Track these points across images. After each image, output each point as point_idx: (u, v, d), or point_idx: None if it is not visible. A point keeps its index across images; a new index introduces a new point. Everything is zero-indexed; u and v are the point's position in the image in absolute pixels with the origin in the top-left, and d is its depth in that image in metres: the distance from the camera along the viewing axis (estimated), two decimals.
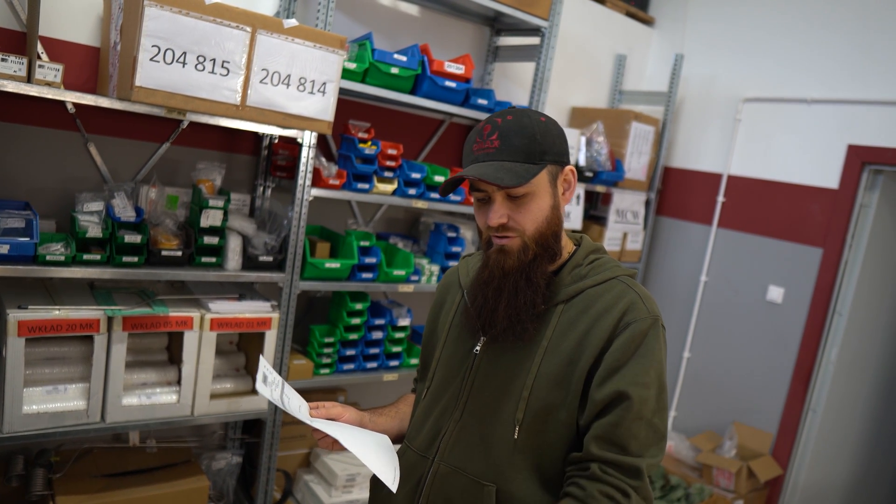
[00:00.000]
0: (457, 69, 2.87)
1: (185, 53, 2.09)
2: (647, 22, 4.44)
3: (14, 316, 2.03)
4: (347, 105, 3.04)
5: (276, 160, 2.84)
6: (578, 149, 3.66)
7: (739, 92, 3.98)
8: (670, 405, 4.16)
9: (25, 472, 2.36)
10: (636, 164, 3.95)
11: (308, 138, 2.50)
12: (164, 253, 2.32)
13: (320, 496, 2.92)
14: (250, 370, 2.68)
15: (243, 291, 2.67)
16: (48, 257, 2.10)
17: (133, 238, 2.24)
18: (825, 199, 3.61)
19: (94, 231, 2.21)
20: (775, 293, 3.78)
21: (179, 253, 2.35)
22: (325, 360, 2.85)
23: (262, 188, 2.88)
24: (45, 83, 2.04)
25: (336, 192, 2.70)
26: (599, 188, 3.80)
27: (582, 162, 3.66)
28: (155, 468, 2.57)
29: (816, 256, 3.63)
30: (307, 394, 3.09)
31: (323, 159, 2.74)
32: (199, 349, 2.41)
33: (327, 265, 2.69)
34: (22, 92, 1.98)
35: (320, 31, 2.38)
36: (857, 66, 3.52)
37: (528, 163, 1.22)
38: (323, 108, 2.44)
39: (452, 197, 3.03)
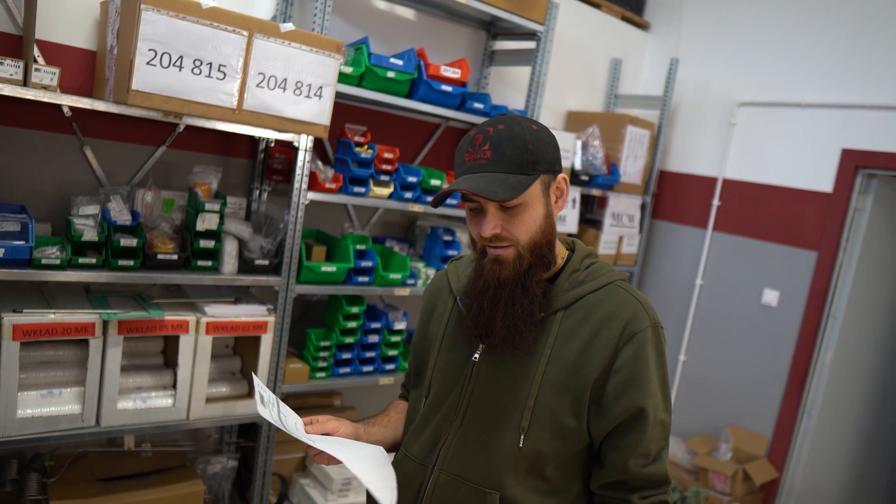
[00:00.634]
0: (453, 73, 2.88)
1: (181, 57, 2.09)
2: (643, 26, 4.45)
3: (9, 320, 2.02)
4: (344, 109, 3.04)
5: (273, 164, 2.84)
6: (574, 152, 3.66)
7: (734, 96, 4.00)
8: None
9: (19, 477, 2.35)
10: (632, 167, 3.96)
11: (304, 142, 2.50)
12: (159, 256, 2.32)
13: (316, 500, 2.92)
14: (246, 374, 2.68)
15: (239, 295, 2.66)
16: (44, 261, 2.09)
17: (129, 242, 2.23)
18: (820, 202, 3.63)
19: (90, 235, 2.21)
20: (770, 296, 3.79)
21: (175, 256, 2.35)
22: (322, 364, 2.84)
23: (258, 192, 2.88)
24: (41, 87, 2.04)
25: (332, 195, 2.70)
26: (595, 192, 3.81)
27: (578, 166, 3.67)
28: (150, 472, 2.56)
29: (811, 260, 3.64)
30: (303, 398, 3.11)
31: (319, 163, 2.74)
32: (194, 353, 2.40)
33: (323, 269, 2.69)
34: (18, 95, 1.98)
35: (317, 35, 2.38)
36: (852, 71, 3.53)
37: (520, 173, 1.21)
38: (319, 111, 2.45)
39: (448, 200, 3.03)
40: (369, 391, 3.46)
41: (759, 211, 3.87)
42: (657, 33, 4.46)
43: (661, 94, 4.13)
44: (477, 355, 1.32)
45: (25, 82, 2.02)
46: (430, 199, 2.98)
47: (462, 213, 3.12)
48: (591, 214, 4.19)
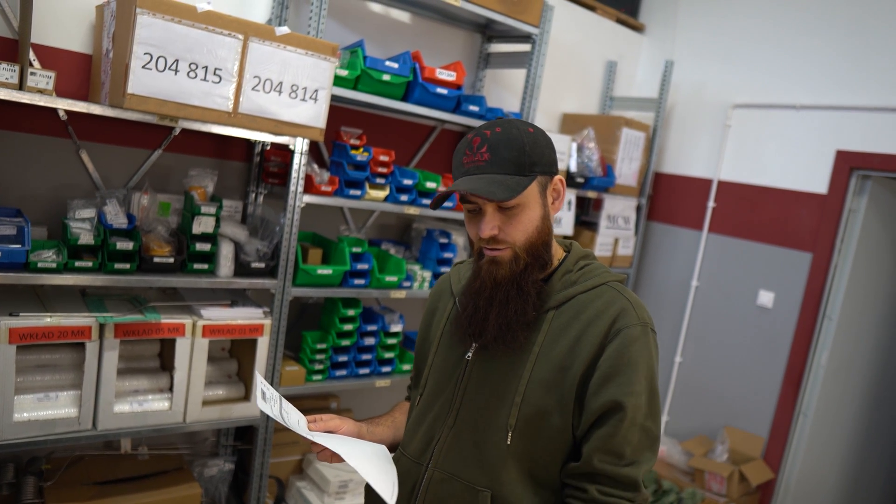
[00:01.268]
0: (448, 76, 2.89)
1: (177, 61, 2.10)
2: (638, 29, 4.47)
3: (5, 323, 2.02)
4: (339, 112, 3.05)
5: (268, 167, 2.84)
6: (570, 155, 3.68)
7: (729, 98, 4.01)
8: (662, 410, 4.17)
9: (16, 481, 2.35)
10: (627, 169, 3.97)
11: (300, 145, 2.51)
12: (155, 260, 2.32)
13: (313, 503, 2.92)
14: (242, 377, 2.68)
15: (235, 298, 2.67)
16: (40, 264, 2.09)
17: (125, 245, 2.24)
18: (814, 204, 3.65)
19: (86, 238, 2.21)
20: (766, 298, 3.80)
21: (171, 260, 2.35)
22: (318, 367, 2.85)
23: (254, 195, 2.89)
24: (37, 90, 2.04)
25: (328, 198, 2.71)
26: (590, 194, 3.82)
27: (573, 168, 3.68)
28: (146, 475, 2.56)
29: (806, 261, 3.66)
30: (299, 400, 3.11)
31: (315, 166, 2.75)
32: (191, 356, 2.41)
33: (319, 271, 2.70)
34: (14, 99, 1.98)
35: (312, 38, 2.39)
36: (846, 73, 3.55)
37: (518, 175, 1.23)
38: (315, 114, 2.45)
39: (445, 203, 3.04)
40: (365, 393, 3.46)
41: (755, 212, 3.89)
42: (652, 35, 4.48)
43: (656, 96, 4.15)
44: (470, 354, 1.33)
45: (21, 86, 2.03)
46: (426, 201, 2.99)
47: (458, 215, 3.12)
48: (587, 217, 4.20)
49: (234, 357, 2.74)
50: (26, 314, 2.08)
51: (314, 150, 3.02)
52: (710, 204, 4.07)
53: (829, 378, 3.67)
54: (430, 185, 2.97)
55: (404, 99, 2.86)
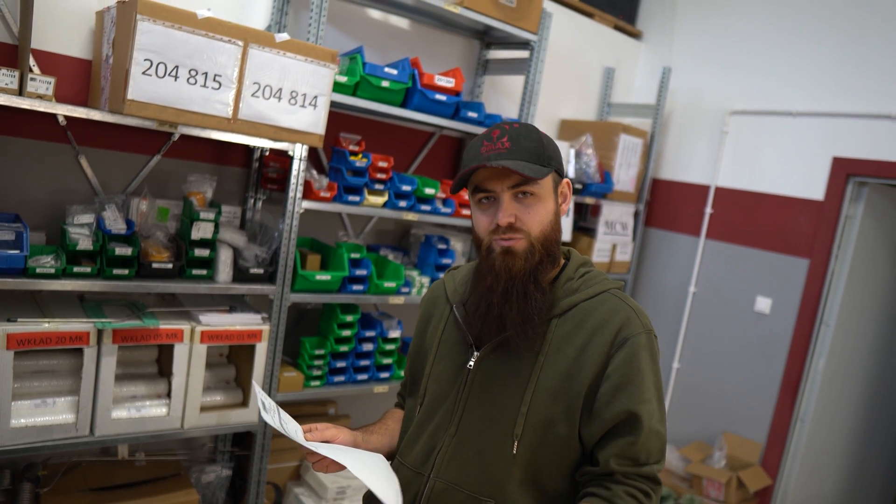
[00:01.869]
0: (447, 82, 2.90)
1: (177, 67, 2.10)
2: (635, 35, 4.49)
3: (3, 329, 2.02)
4: (338, 118, 3.05)
5: (267, 173, 2.85)
6: (567, 161, 3.69)
7: (726, 105, 4.03)
8: None
9: (12, 487, 2.34)
10: (625, 175, 3.98)
11: (299, 151, 2.51)
12: (154, 265, 2.32)
13: None
14: (240, 383, 2.68)
15: (234, 304, 2.67)
16: (38, 270, 2.09)
17: (124, 250, 2.23)
18: (811, 210, 3.66)
19: (85, 243, 2.21)
20: (763, 304, 3.81)
21: (170, 265, 2.35)
22: (316, 373, 2.84)
23: (253, 200, 2.89)
24: (36, 96, 2.04)
25: (327, 204, 2.71)
26: (588, 200, 3.83)
27: (571, 174, 3.69)
28: (144, 482, 2.55)
29: (803, 267, 3.67)
30: (298, 406, 3.10)
31: (314, 172, 2.75)
32: (189, 362, 2.40)
33: (318, 277, 2.70)
34: (13, 105, 1.98)
35: (311, 44, 2.40)
36: (842, 80, 3.57)
37: (538, 164, 1.25)
38: (314, 121, 2.46)
39: (443, 209, 3.05)
40: (364, 399, 3.46)
41: (752, 219, 3.90)
42: (650, 42, 4.50)
43: (654, 102, 4.16)
44: (472, 363, 1.32)
45: (21, 91, 2.03)
46: (424, 207, 2.99)
47: (457, 221, 3.13)
48: (585, 222, 4.21)
49: (232, 363, 2.74)
50: (24, 320, 2.08)
51: (313, 156, 3.03)
52: (708, 210, 4.08)
53: (827, 384, 3.68)
54: (429, 191, 2.97)
55: (403, 105, 2.87)
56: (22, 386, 2.16)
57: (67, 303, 2.36)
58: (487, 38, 3.53)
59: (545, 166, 1.25)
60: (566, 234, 3.75)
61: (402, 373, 3.10)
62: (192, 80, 2.14)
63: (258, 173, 2.87)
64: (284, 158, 2.82)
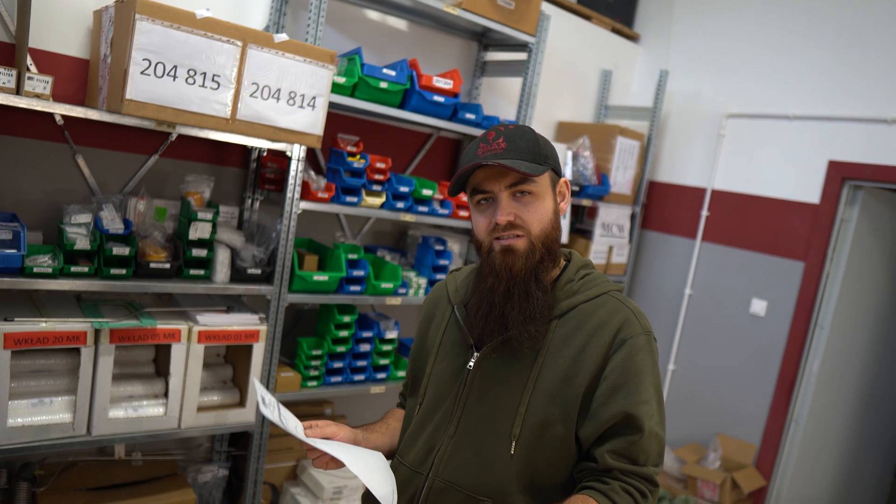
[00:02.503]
0: (445, 84, 2.90)
1: (175, 67, 2.10)
2: (633, 38, 4.50)
3: (0, 328, 2.01)
4: (336, 119, 3.06)
5: (265, 173, 2.85)
6: (565, 163, 3.70)
7: (723, 108, 4.04)
8: None
9: (9, 486, 2.34)
10: (622, 178, 3.99)
11: (297, 152, 2.51)
12: (152, 265, 2.32)
13: None
14: (238, 383, 2.68)
15: (231, 304, 2.67)
16: (35, 269, 2.09)
17: (121, 250, 2.23)
18: (807, 213, 3.67)
19: (82, 243, 2.21)
20: (758, 306, 3.82)
21: (167, 265, 2.35)
22: (313, 373, 2.85)
23: (250, 201, 2.89)
24: (34, 95, 2.04)
25: (325, 205, 2.71)
26: (585, 202, 3.84)
27: (568, 176, 3.70)
28: (140, 481, 2.55)
29: (798, 270, 3.68)
30: (295, 406, 3.11)
31: (312, 172, 2.75)
32: (186, 362, 2.40)
33: (315, 278, 2.70)
34: (11, 104, 1.98)
35: (310, 45, 2.40)
36: (839, 84, 3.59)
37: (534, 163, 1.26)
38: (312, 121, 2.46)
39: (440, 210, 3.05)
40: (360, 400, 3.46)
41: (748, 221, 3.91)
42: (647, 45, 4.51)
43: (651, 105, 4.17)
44: (472, 363, 1.33)
45: (18, 90, 2.03)
46: (422, 208, 2.99)
47: (454, 223, 3.13)
48: (582, 224, 4.22)
49: (229, 363, 2.74)
50: (21, 319, 2.08)
51: (311, 157, 3.03)
52: (704, 213, 4.09)
53: (821, 386, 3.70)
54: (427, 192, 2.98)
55: (401, 106, 2.87)
56: (19, 385, 2.16)
57: (64, 302, 2.36)
58: (485, 39, 3.53)
59: (542, 164, 1.26)
60: (563, 237, 3.75)
61: (398, 373, 3.10)
62: (190, 80, 2.14)
63: (256, 174, 2.87)
64: (282, 159, 2.83)
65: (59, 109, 2.07)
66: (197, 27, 2.11)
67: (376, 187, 2.87)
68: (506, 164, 1.21)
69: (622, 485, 1.20)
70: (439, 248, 3.18)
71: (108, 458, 2.64)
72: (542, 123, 4.04)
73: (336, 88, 2.62)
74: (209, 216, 2.41)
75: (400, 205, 2.93)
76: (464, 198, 3.07)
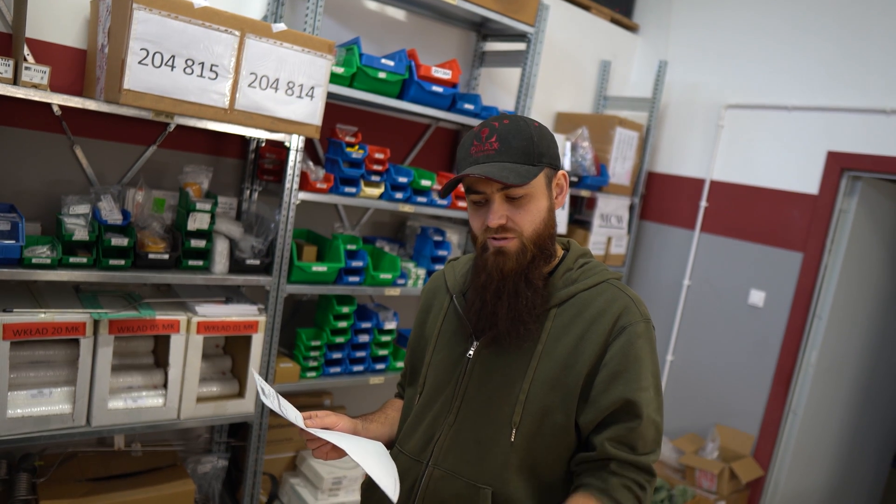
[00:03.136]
0: (444, 74, 2.89)
1: (173, 57, 2.09)
2: (632, 28, 4.49)
3: None
4: (335, 109, 3.05)
5: (264, 164, 2.84)
6: (563, 154, 3.69)
7: (722, 98, 4.04)
8: None
9: (9, 477, 2.34)
10: (620, 169, 3.99)
11: (296, 142, 2.50)
12: (150, 256, 2.32)
13: (306, 499, 2.92)
14: (237, 373, 2.68)
15: (230, 295, 2.66)
16: (34, 260, 2.09)
17: (120, 241, 2.23)
18: (805, 204, 3.67)
19: (81, 234, 2.20)
20: (757, 297, 3.83)
21: (166, 256, 2.35)
22: (312, 364, 2.85)
23: (249, 191, 2.89)
24: (31, 85, 2.03)
25: (323, 195, 2.71)
26: (584, 193, 3.84)
27: (567, 167, 3.70)
28: (140, 472, 2.56)
29: (797, 261, 3.69)
30: (294, 397, 3.11)
31: (310, 163, 2.75)
32: (185, 352, 2.40)
33: (314, 269, 2.70)
34: (8, 94, 1.97)
35: (308, 35, 2.39)
36: (837, 74, 3.58)
37: (527, 164, 1.24)
38: (311, 112, 2.45)
39: (439, 201, 3.05)
40: (359, 391, 3.47)
41: (746, 212, 3.92)
42: (646, 36, 4.50)
43: (650, 96, 4.16)
44: (471, 352, 1.33)
45: (15, 81, 2.02)
46: (420, 199, 2.99)
47: (453, 213, 3.13)
48: (580, 215, 4.22)
49: (228, 354, 2.74)
50: (20, 310, 2.07)
51: (310, 148, 3.02)
52: (703, 203, 4.09)
53: (819, 377, 3.71)
54: (425, 182, 2.97)
55: (400, 97, 2.86)
56: (18, 376, 2.16)
57: (63, 293, 2.35)
58: (484, 30, 3.52)
59: (535, 164, 1.24)
60: (561, 227, 3.75)
61: (397, 364, 3.11)
62: (188, 70, 2.13)
63: (254, 164, 2.86)
64: (281, 149, 2.82)
65: (57, 100, 2.06)
66: (195, 16, 2.10)
67: (375, 178, 2.86)
68: (493, 176, 1.19)
69: (620, 480, 1.21)
70: (438, 238, 3.18)
71: (107, 449, 2.64)
72: (540, 114, 4.03)
73: (334, 79, 2.61)
74: (208, 207, 2.40)
75: (399, 195, 2.93)
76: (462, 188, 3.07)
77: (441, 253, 3.16)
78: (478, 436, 1.29)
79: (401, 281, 3.00)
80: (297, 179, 2.56)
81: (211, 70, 2.17)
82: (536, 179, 1.25)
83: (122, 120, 2.53)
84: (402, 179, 2.92)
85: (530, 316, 1.26)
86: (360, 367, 3.00)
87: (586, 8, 4.12)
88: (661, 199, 4.34)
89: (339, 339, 2.90)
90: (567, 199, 3.77)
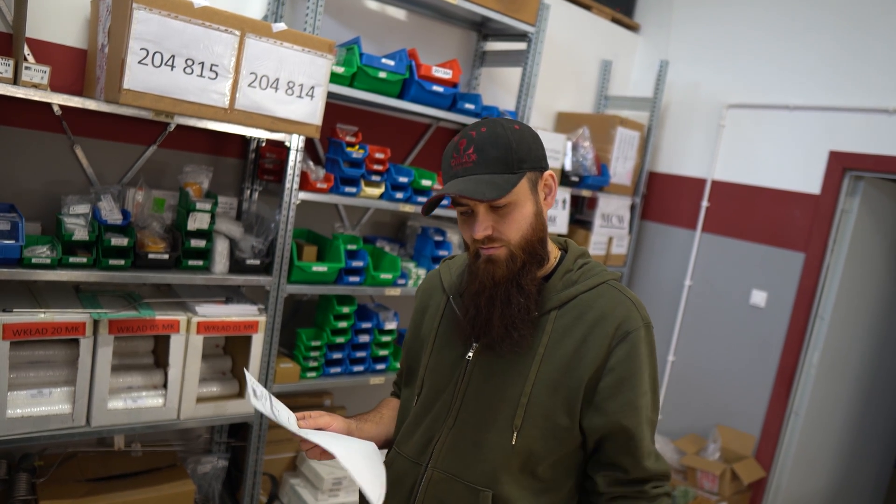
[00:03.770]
0: (444, 74, 2.89)
1: (173, 56, 2.09)
2: (633, 28, 4.48)
3: None
4: (335, 109, 3.04)
5: (264, 163, 2.84)
6: (564, 153, 3.68)
7: (723, 98, 4.03)
8: None
9: (8, 477, 2.34)
10: (621, 168, 3.98)
11: (296, 142, 2.50)
12: (150, 256, 2.31)
13: (306, 500, 2.92)
14: (237, 374, 2.68)
15: (230, 295, 2.66)
16: (34, 260, 2.08)
17: (119, 241, 2.23)
18: (807, 204, 3.66)
19: (81, 234, 2.20)
20: (758, 297, 3.82)
21: (166, 256, 2.35)
22: (312, 364, 2.84)
23: (249, 191, 2.88)
24: (31, 85, 2.03)
25: (324, 195, 2.70)
26: (585, 193, 3.83)
27: (568, 166, 3.69)
28: (140, 472, 2.55)
29: (799, 261, 3.68)
30: (294, 398, 3.11)
31: (310, 163, 2.74)
32: (185, 353, 2.40)
33: (314, 269, 2.69)
34: (8, 94, 1.97)
35: (309, 35, 2.39)
36: (839, 74, 3.57)
37: (506, 173, 1.22)
38: (311, 111, 2.45)
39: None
40: (360, 391, 3.46)
41: (748, 212, 3.91)
42: (647, 35, 4.49)
43: (651, 95, 4.16)
44: (470, 354, 1.33)
45: (15, 80, 2.02)
46: (421, 199, 2.99)
47: (453, 213, 3.12)
48: (581, 215, 4.21)
49: (228, 354, 2.74)
50: (20, 310, 2.07)
51: (310, 147, 3.02)
52: (704, 203, 4.09)
53: (821, 378, 3.70)
54: (426, 182, 2.97)
55: (400, 96, 2.86)
56: (18, 376, 2.16)
57: (63, 293, 2.35)
58: (485, 29, 3.51)
59: (515, 172, 1.23)
60: (562, 227, 3.75)
61: (398, 364, 3.09)
62: (188, 70, 2.13)
63: (254, 164, 2.86)
64: (281, 149, 2.82)
65: (57, 99, 2.06)
66: (195, 16, 2.10)
67: (375, 178, 2.86)
68: (467, 195, 1.19)
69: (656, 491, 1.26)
70: (438, 238, 3.17)
71: (107, 449, 2.64)
72: (541, 114, 4.02)
73: (335, 78, 2.61)
74: (208, 207, 2.40)
75: (399, 195, 2.92)
76: None
77: (442, 253, 3.16)
78: (478, 438, 1.28)
79: (401, 281, 2.99)
80: (297, 179, 2.56)
81: (211, 70, 2.17)
82: (518, 186, 1.23)
83: (122, 120, 2.52)
84: (403, 179, 2.91)
85: (523, 322, 1.25)
86: (360, 368, 2.99)
87: (587, 7, 4.11)
88: (662, 198, 4.33)
89: (340, 340, 2.90)
90: (568, 199, 3.78)
